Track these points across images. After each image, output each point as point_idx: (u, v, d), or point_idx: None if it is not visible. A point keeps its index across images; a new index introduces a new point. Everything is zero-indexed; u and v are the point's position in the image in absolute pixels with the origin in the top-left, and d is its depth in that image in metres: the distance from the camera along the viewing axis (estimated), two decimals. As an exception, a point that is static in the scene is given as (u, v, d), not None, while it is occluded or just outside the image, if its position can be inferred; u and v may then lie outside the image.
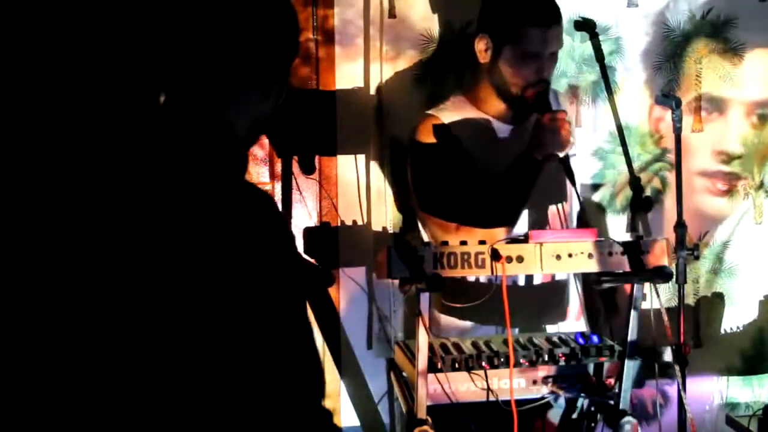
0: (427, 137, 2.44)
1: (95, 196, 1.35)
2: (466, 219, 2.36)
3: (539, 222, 2.46)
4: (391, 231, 2.95)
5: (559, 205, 2.48)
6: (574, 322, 2.53)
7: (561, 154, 2.30)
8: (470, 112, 2.48)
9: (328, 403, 3.07)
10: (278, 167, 2.96)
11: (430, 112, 2.50)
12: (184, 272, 1.31)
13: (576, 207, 2.56)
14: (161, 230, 1.32)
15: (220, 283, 1.31)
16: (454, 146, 2.42)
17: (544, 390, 2.07)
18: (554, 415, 2.38)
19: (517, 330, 2.35)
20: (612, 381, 2.08)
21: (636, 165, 3.01)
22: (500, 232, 2.27)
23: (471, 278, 2.37)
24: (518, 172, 2.32)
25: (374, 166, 2.97)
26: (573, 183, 2.34)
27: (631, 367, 2.05)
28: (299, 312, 1.41)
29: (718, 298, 3.19)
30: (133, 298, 1.31)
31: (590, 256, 2.01)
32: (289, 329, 1.37)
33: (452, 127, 2.45)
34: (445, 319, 2.49)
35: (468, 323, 2.45)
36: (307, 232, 2.96)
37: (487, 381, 2.03)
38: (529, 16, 2.37)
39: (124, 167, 1.37)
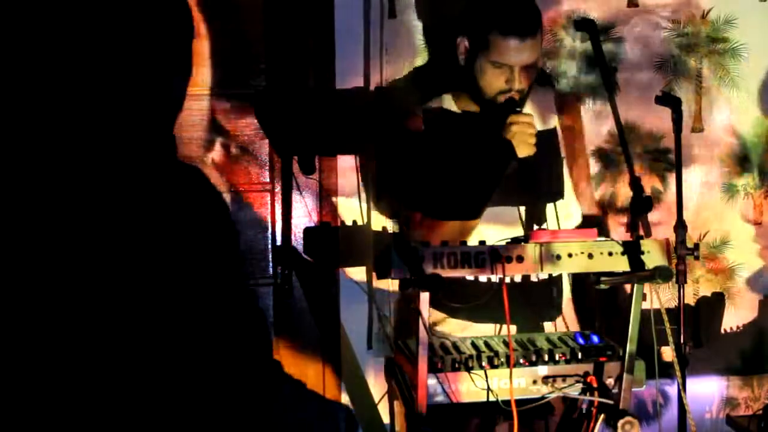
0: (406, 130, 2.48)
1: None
2: (428, 210, 2.39)
3: (536, 220, 2.46)
4: (391, 231, 2.95)
5: (557, 203, 2.48)
6: (569, 315, 2.53)
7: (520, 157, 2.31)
8: (450, 108, 2.51)
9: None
10: (278, 167, 2.95)
11: (417, 108, 2.52)
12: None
13: (573, 207, 2.56)
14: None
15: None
16: (421, 136, 2.44)
17: (544, 390, 2.07)
18: (554, 415, 2.38)
19: (515, 328, 2.35)
20: (612, 381, 2.08)
21: (636, 165, 3.01)
22: (462, 225, 2.30)
23: (470, 277, 2.37)
24: (481, 168, 2.34)
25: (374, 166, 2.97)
26: (524, 188, 2.34)
27: (631, 367, 2.06)
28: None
29: (718, 298, 3.19)
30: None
31: (590, 256, 2.01)
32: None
33: (426, 120, 2.48)
34: (445, 319, 2.49)
35: (468, 323, 2.45)
36: (307, 232, 2.95)
37: (487, 381, 2.03)
38: (502, 26, 2.32)
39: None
